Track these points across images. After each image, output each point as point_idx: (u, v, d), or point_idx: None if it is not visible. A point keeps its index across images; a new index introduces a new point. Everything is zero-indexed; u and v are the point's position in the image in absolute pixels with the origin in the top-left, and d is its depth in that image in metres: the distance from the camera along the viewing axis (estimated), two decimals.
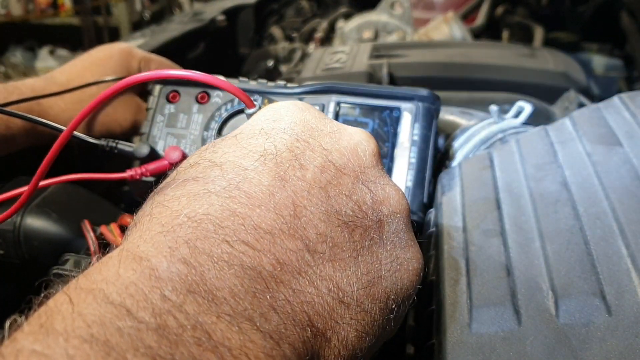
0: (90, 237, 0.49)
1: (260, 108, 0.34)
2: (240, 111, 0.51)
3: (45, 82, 0.57)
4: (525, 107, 0.55)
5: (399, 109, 0.49)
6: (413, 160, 0.47)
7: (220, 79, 0.33)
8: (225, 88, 0.33)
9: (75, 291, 0.20)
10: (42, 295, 0.22)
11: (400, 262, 0.29)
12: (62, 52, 3.27)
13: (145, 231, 0.24)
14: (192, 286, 0.21)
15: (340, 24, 1.27)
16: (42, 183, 0.38)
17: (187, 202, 0.25)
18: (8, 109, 0.44)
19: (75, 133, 0.46)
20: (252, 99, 0.34)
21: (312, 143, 0.29)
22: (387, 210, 0.29)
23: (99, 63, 0.61)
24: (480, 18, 1.26)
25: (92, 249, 0.48)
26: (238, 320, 0.21)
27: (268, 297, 0.23)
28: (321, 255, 0.26)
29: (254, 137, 0.29)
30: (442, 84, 0.78)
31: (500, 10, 1.31)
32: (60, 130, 0.40)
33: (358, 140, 0.31)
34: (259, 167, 0.27)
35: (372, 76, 0.78)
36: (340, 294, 0.26)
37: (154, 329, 0.19)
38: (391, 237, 0.29)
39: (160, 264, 0.21)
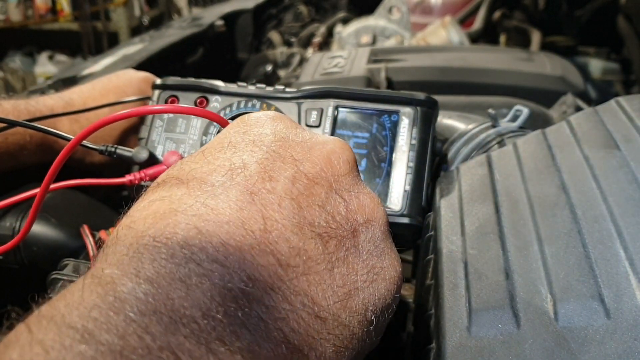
0: (90, 242, 0.49)
1: None
2: (239, 115, 0.51)
3: (64, 103, 0.59)
4: (523, 110, 0.55)
5: (397, 113, 0.49)
6: (411, 164, 0.47)
7: (182, 106, 0.33)
8: (191, 113, 0.33)
9: (34, 319, 0.20)
10: (5, 326, 0.21)
11: (376, 271, 0.28)
12: (61, 57, 3.28)
13: (110, 255, 0.23)
14: (158, 306, 0.21)
15: (339, 28, 1.27)
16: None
17: (153, 223, 0.24)
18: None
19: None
20: (229, 115, 0.34)
21: (283, 154, 0.28)
22: (362, 219, 0.29)
23: (117, 90, 0.62)
24: (478, 22, 1.26)
25: (91, 254, 0.48)
26: (207, 340, 0.21)
27: (239, 314, 0.22)
28: (295, 269, 0.25)
29: (222, 150, 0.28)
30: (440, 88, 0.78)
31: (497, 14, 1.32)
32: (69, 139, 0.41)
33: (331, 149, 0.30)
34: (226, 182, 0.26)
35: (370, 80, 0.79)
36: (316, 308, 0.25)
37: (118, 351, 0.19)
38: (367, 246, 0.29)
39: (125, 285, 0.21)
